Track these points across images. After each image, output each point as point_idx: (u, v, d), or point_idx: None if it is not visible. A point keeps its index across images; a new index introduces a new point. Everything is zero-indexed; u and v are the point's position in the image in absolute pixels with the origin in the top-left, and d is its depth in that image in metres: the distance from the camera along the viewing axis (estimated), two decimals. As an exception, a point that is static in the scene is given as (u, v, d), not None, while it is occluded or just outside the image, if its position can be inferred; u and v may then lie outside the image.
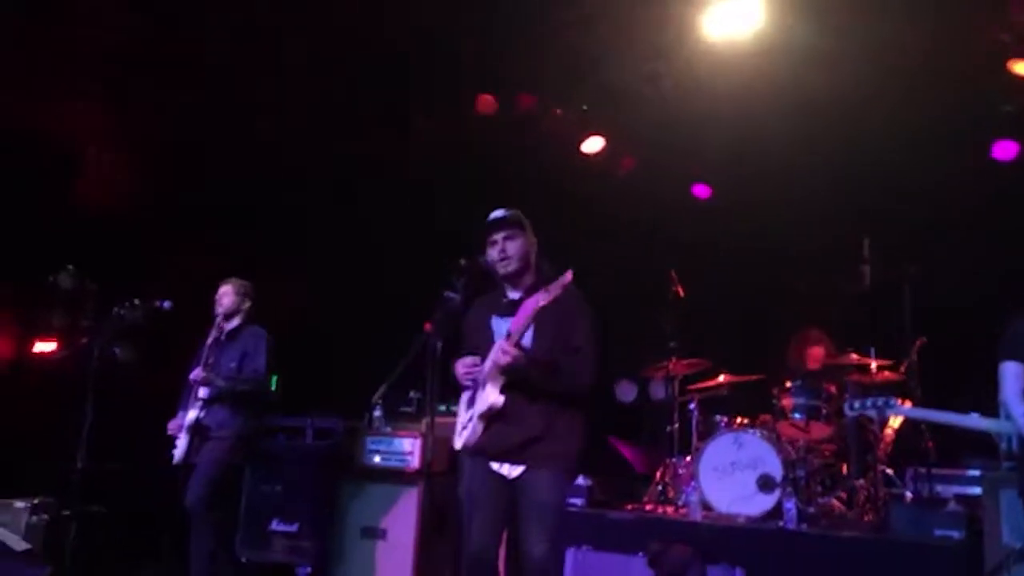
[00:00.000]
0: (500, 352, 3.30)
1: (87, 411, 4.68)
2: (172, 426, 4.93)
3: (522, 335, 3.35)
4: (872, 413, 3.79)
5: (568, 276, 3.20)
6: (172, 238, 6.80)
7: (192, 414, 4.80)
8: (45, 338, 6.38)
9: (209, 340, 5.07)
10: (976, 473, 5.51)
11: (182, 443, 4.79)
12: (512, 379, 3.35)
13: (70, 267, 5.79)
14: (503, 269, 3.52)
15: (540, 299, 3.21)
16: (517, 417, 3.36)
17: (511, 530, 3.38)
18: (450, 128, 6.80)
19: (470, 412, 3.48)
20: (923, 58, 5.54)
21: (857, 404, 3.84)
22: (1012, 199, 6.04)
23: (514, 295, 3.55)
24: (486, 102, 6.59)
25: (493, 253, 3.53)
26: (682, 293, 6.21)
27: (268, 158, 6.82)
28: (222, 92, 6.24)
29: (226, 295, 5.13)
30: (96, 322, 5.11)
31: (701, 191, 7.35)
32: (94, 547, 4.91)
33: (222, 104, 6.34)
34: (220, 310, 5.10)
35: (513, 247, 3.52)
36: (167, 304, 4.88)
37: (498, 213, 3.55)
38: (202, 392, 4.82)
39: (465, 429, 3.49)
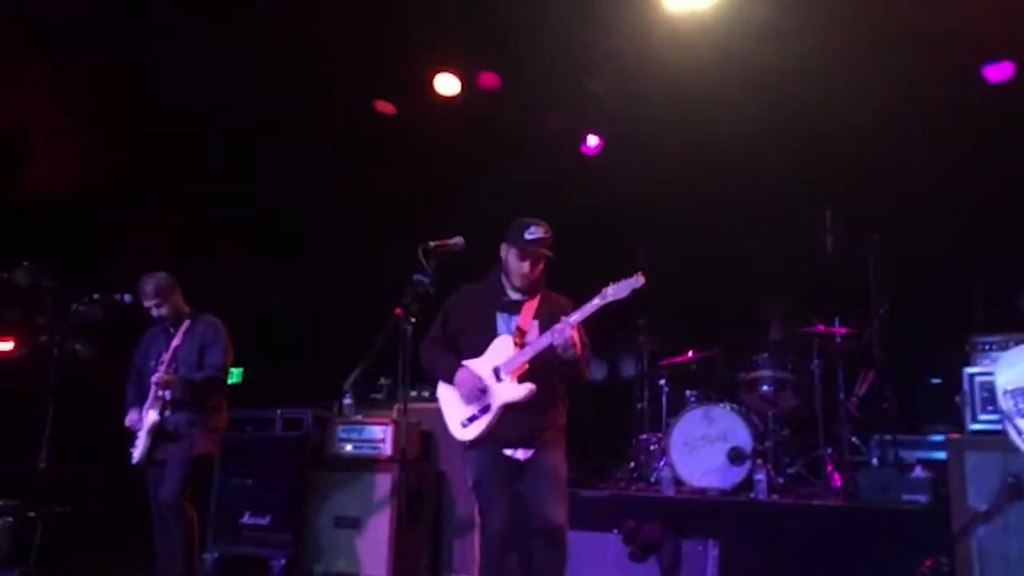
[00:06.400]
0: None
1: (49, 410, 4.55)
2: (131, 420, 4.69)
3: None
4: None
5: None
6: (127, 226, 6.62)
7: (153, 415, 4.61)
8: (1, 337, 6.22)
9: (155, 331, 4.83)
10: (939, 438, 5.61)
11: (142, 443, 4.61)
12: (532, 368, 3.60)
13: (25, 263, 5.62)
14: (521, 282, 3.75)
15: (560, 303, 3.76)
16: (536, 403, 3.60)
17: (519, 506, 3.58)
18: (412, 109, 6.70)
19: (479, 405, 3.64)
20: (879, 27, 5.58)
21: None
22: (971, 165, 6.12)
23: (515, 296, 3.81)
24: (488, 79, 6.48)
25: (522, 265, 3.71)
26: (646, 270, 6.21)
27: (224, 141, 6.63)
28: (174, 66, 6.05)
29: (157, 308, 4.71)
30: (54, 318, 4.94)
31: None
32: (61, 548, 4.79)
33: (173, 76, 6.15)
34: (165, 324, 4.78)
35: (539, 268, 3.76)
36: (127, 298, 4.71)
37: (543, 235, 3.70)
38: (162, 393, 4.62)
39: (473, 422, 3.65)
